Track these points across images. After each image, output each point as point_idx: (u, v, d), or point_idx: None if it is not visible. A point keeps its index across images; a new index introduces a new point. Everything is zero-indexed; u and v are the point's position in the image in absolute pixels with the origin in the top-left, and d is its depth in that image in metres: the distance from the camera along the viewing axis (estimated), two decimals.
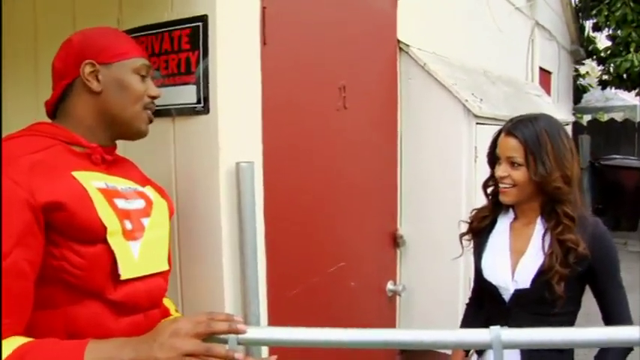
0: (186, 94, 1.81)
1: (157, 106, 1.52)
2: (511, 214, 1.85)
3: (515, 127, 1.73)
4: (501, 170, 1.74)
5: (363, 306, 2.36)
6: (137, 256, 1.31)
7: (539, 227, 1.76)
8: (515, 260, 1.76)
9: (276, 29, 2.02)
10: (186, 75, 1.81)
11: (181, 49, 1.82)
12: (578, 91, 10.97)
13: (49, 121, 1.39)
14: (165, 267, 1.43)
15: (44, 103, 1.41)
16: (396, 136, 2.96)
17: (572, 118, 7.80)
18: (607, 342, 1.12)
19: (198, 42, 1.78)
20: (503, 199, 1.77)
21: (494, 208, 1.88)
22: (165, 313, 1.52)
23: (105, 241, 1.23)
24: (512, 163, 1.72)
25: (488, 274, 1.81)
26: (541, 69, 6.29)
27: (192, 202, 1.83)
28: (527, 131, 1.70)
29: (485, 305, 1.90)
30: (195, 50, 1.79)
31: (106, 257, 1.23)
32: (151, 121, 1.46)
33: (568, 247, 1.66)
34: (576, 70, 10.60)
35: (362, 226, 2.69)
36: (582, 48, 9.59)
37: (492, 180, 1.86)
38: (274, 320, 2.02)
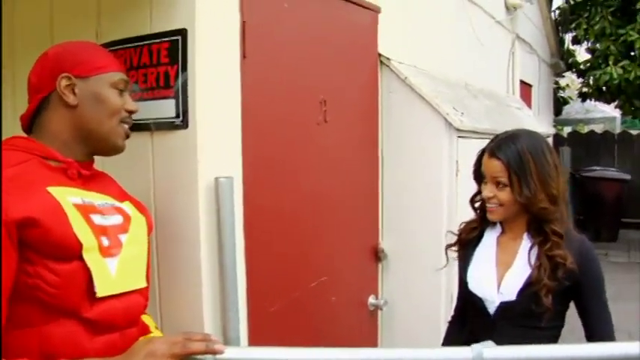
0: (164, 109, 1.80)
1: (135, 120, 1.51)
2: (498, 228, 1.86)
3: (498, 147, 1.74)
4: (487, 190, 1.75)
5: (344, 321, 2.34)
6: (114, 273, 1.28)
7: (525, 242, 1.77)
8: (502, 273, 1.77)
9: (256, 43, 2.01)
10: (165, 89, 1.80)
11: (160, 62, 1.80)
12: (559, 104, 11.10)
13: (25, 135, 1.37)
14: (144, 284, 1.41)
15: (20, 117, 1.39)
16: (377, 149, 2.96)
17: (552, 131, 7.89)
18: (591, 358, 1.12)
19: (178, 56, 1.77)
20: (491, 217, 1.78)
21: (482, 221, 1.88)
22: (145, 330, 1.49)
23: (80, 258, 1.21)
24: (498, 184, 1.72)
25: (474, 287, 1.81)
26: (522, 82, 6.34)
27: (170, 218, 1.81)
28: (510, 152, 1.71)
29: (469, 319, 1.89)
30: (174, 64, 1.78)
31: (81, 274, 1.21)
32: (127, 137, 1.44)
33: (556, 262, 1.67)
34: (556, 82, 10.74)
35: (343, 240, 2.68)
36: (562, 61, 9.71)
37: (479, 195, 1.86)
38: (255, 336, 2.00)
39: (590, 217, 8.77)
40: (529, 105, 6.68)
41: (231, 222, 1.81)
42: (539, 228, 1.73)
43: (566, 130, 12.57)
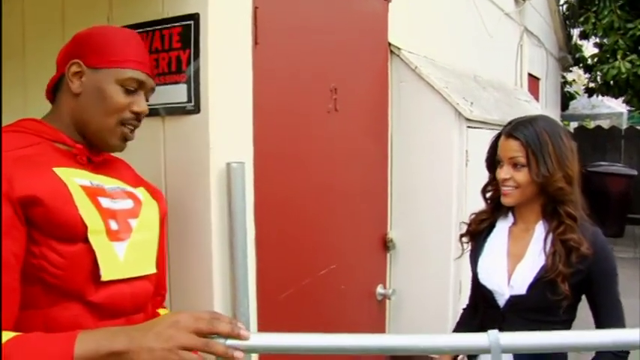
0: (176, 93, 1.79)
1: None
2: (510, 219, 1.84)
3: (515, 128, 1.73)
4: (504, 172, 1.73)
5: (353, 309, 2.34)
6: (122, 258, 1.27)
7: (538, 233, 1.75)
8: (513, 265, 1.75)
9: (267, 29, 2.00)
10: (177, 74, 1.79)
11: (172, 47, 1.79)
12: (566, 98, 11.07)
13: (37, 118, 1.36)
14: (153, 270, 1.38)
15: (49, 81, 1.37)
16: (387, 138, 2.95)
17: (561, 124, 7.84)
18: (607, 345, 1.11)
19: (190, 41, 1.76)
20: (506, 200, 1.76)
21: (494, 212, 1.87)
22: None
23: (86, 240, 1.19)
24: (515, 165, 1.71)
25: (484, 278, 1.80)
26: (530, 75, 6.32)
27: (182, 203, 1.81)
28: (528, 132, 1.70)
29: (480, 310, 1.89)
30: (186, 49, 1.77)
31: (86, 257, 1.19)
32: (126, 139, 1.38)
33: (570, 246, 1.65)
34: (563, 77, 10.69)
35: (352, 229, 2.67)
36: (570, 55, 9.67)
37: (492, 184, 1.85)
38: (264, 322, 2.00)
39: (597, 213, 8.70)
40: (537, 98, 6.65)
41: (242, 207, 1.80)
42: (553, 211, 1.72)
43: (573, 125, 12.52)
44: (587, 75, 10.26)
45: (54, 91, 1.36)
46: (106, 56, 1.31)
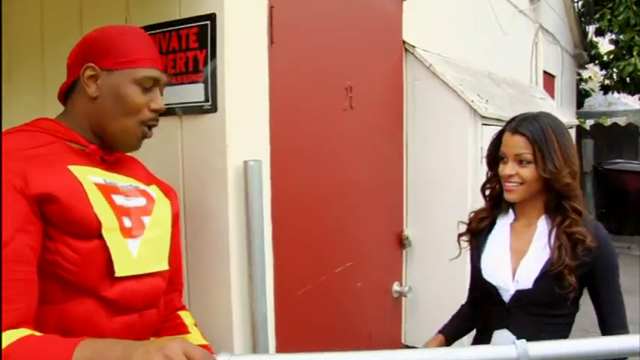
0: (193, 93, 1.81)
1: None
2: (511, 215, 1.84)
3: (520, 125, 1.72)
4: (509, 168, 1.73)
5: (369, 307, 2.35)
6: (136, 254, 1.29)
7: (541, 228, 1.75)
8: (516, 261, 1.75)
9: (283, 29, 2.02)
10: (194, 74, 1.81)
11: (189, 47, 1.82)
12: (581, 96, 10.97)
13: (53, 117, 1.38)
14: (165, 266, 1.40)
15: (60, 86, 1.38)
16: (402, 136, 2.96)
17: (576, 122, 7.78)
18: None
19: (207, 40, 1.78)
20: (510, 197, 1.76)
21: (493, 209, 1.88)
22: (181, 328, 1.50)
23: (100, 237, 1.21)
24: (520, 161, 1.71)
25: (489, 275, 1.80)
26: (545, 72, 6.29)
27: (199, 200, 1.83)
28: (534, 128, 1.70)
29: (483, 307, 1.89)
30: (203, 49, 1.79)
31: (101, 253, 1.21)
32: (145, 137, 1.39)
33: (576, 239, 1.66)
34: (579, 74, 10.60)
35: (368, 226, 2.68)
36: (585, 52, 9.59)
37: (492, 181, 1.85)
38: (281, 318, 2.02)
39: (613, 210, 8.65)
40: (552, 96, 6.61)
41: (259, 205, 1.82)
42: (557, 207, 1.73)
43: (589, 122, 12.40)
44: (602, 72, 10.15)
45: (67, 93, 1.38)
46: (119, 57, 1.31)
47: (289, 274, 2.10)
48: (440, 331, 2.01)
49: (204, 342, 1.55)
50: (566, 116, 6.47)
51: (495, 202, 1.85)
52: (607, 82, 9.67)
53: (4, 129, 1.23)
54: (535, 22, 5.78)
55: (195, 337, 1.53)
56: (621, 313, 1.71)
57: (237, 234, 1.82)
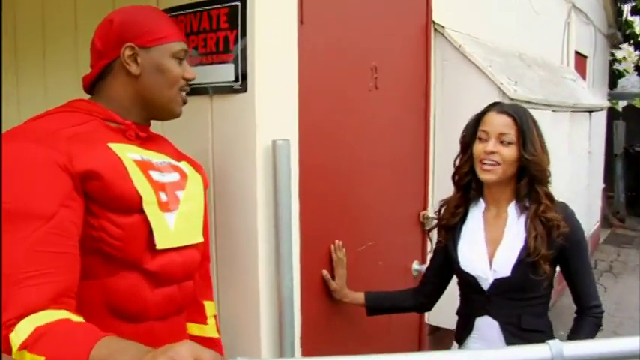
0: (224, 73, 1.84)
1: (194, 84, 1.56)
2: (481, 205, 1.88)
3: (505, 106, 1.81)
4: (491, 145, 1.75)
5: (389, 285, 2.37)
6: (173, 227, 1.34)
7: (512, 215, 1.81)
8: (492, 249, 1.81)
9: (312, 9, 2.03)
10: (225, 54, 1.84)
11: (220, 28, 1.84)
12: (614, 76, 10.72)
13: (87, 97, 1.43)
14: (200, 239, 1.47)
15: (82, 78, 1.44)
16: (428, 117, 2.95)
17: (607, 104, 7.64)
18: None
19: (237, 21, 1.80)
20: (486, 177, 1.78)
21: (463, 199, 1.91)
22: (199, 317, 1.58)
23: (141, 212, 1.27)
24: (502, 142, 1.74)
25: (466, 265, 1.85)
26: (577, 53, 6.17)
27: (229, 179, 1.87)
28: (519, 113, 1.78)
29: (464, 295, 1.95)
30: (233, 29, 1.81)
31: (142, 227, 1.27)
32: (184, 103, 1.49)
33: (550, 225, 1.73)
34: (612, 54, 10.36)
35: (391, 206, 2.71)
36: (619, 32, 9.36)
37: (464, 166, 1.87)
38: (307, 294, 2.06)
39: None
40: (583, 77, 6.49)
41: (287, 184, 1.85)
42: (529, 193, 1.78)
43: (621, 104, 12.15)
44: (637, 52, 9.93)
45: (97, 79, 1.42)
46: (154, 35, 1.39)
47: (315, 251, 2.14)
48: (367, 292, 2.13)
49: (217, 335, 1.64)
50: (597, 98, 6.36)
51: (464, 192, 1.90)
52: None
53: (4, 131, 1.23)
54: (568, 1, 5.67)
55: (210, 328, 1.62)
56: (594, 284, 1.85)
57: (265, 212, 1.86)
